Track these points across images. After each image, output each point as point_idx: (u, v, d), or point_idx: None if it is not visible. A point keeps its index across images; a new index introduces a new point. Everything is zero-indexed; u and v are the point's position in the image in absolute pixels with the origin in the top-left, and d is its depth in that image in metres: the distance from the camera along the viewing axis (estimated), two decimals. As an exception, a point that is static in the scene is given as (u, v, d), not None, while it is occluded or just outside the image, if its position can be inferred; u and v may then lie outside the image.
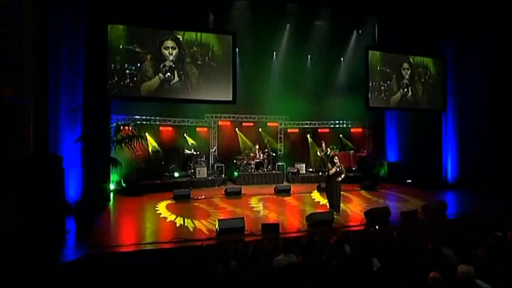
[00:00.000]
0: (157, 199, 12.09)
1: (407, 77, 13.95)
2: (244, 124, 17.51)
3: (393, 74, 13.59)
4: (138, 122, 15.37)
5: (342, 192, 12.91)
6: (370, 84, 13.05)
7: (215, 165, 16.17)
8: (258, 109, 17.36)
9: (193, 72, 11.27)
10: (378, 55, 13.31)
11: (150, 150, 15.22)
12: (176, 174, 15.14)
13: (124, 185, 13.44)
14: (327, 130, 18.37)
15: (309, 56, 17.66)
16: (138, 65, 10.58)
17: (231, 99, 11.46)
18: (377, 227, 6.84)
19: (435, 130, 15.03)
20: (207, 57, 11.34)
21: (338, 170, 10.17)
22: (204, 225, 8.83)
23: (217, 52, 11.54)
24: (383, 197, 13.08)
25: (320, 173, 16.78)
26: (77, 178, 10.34)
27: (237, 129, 17.41)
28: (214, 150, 16.98)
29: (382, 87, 13.30)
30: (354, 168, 17.39)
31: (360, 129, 18.40)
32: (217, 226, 7.98)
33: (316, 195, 13.14)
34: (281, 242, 7.54)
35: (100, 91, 10.17)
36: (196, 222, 9.17)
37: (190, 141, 15.93)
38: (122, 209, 11.16)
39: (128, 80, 10.47)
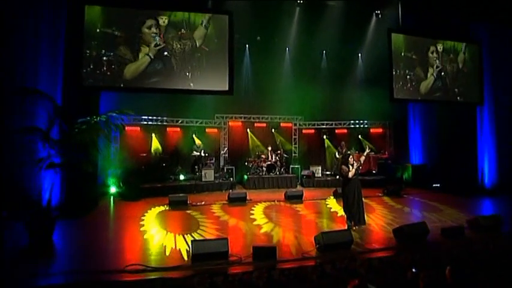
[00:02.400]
0: (153, 204, 9.60)
1: (436, 64, 10.71)
2: (256, 125, 14.79)
3: (420, 60, 10.40)
4: (145, 123, 13.10)
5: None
6: (394, 73, 9.96)
7: (225, 168, 13.54)
8: (270, 109, 14.56)
9: (181, 58, 8.67)
10: (401, 39, 10.20)
11: (152, 152, 12.83)
12: (182, 177, 12.63)
13: (123, 188, 11.06)
14: (345, 131, 15.30)
15: (324, 51, 14.72)
16: (116, 50, 8.13)
17: (227, 89, 8.77)
18: (414, 270, 3.98)
19: (469, 127, 11.61)
20: (197, 41, 8.71)
21: (357, 171, 7.29)
22: (186, 245, 6.16)
23: (211, 35, 8.85)
24: (410, 205, 9.94)
25: (337, 177, 13.82)
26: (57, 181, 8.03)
27: (248, 130, 14.73)
28: (225, 152, 14.38)
29: (408, 76, 10.16)
30: (374, 172, 14.27)
31: (380, 129, 15.20)
32: (191, 249, 5.29)
33: (332, 203, 10.18)
34: (277, 274, 4.84)
35: (76, 81, 7.81)
36: (179, 239, 6.55)
37: (199, 142, 13.41)
38: (103, 217, 8.61)
39: (105, 68, 8.02)
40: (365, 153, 7.64)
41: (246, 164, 13.83)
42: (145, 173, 11.82)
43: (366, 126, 15.18)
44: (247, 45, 14.05)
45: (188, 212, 8.89)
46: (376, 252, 5.77)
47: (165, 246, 5.99)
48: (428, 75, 10.61)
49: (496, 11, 10.48)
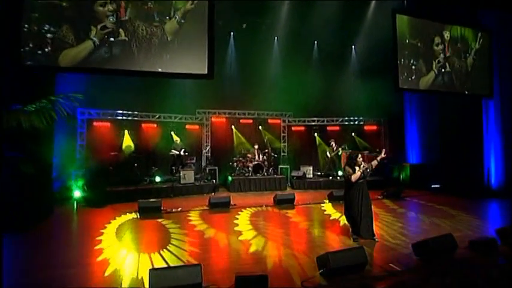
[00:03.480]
0: (122, 211, 7.99)
1: (444, 52, 9.44)
2: (241, 121, 13.31)
3: (426, 48, 9.11)
4: (116, 118, 11.43)
5: None
6: (398, 62, 8.62)
7: (207, 168, 11.99)
8: (257, 103, 13.11)
9: (148, 36, 7.01)
10: (406, 24, 8.86)
11: (123, 150, 11.17)
12: (157, 179, 11.01)
13: (87, 192, 9.35)
14: (337, 127, 13.98)
15: (316, 42, 13.39)
16: (61, 26, 6.39)
17: (206, 72, 7.21)
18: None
19: (473, 122, 10.45)
20: (169, 15, 7.08)
21: (363, 173, 5.91)
22: (143, 273, 4.58)
23: (184, 7, 7.19)
24: (415, 209, 8.65)
25: (330, 177, 12.49)
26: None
27: (233, 126, 13.24)
28: (207, 151, 12.84)
29: (413, 66, 8.85)
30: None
31: (374, 127, 13.96)
32: (149, 283, 3.76)
33: (328, 208, 8.82)
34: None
35: (13, 61, 6.10)
36: (143, 260, 5.00)
37: (178, 140, 11.81)
38: (51, 231, 6.79)
39: (50, 48, 6.33)
40: (379, 158, 6.11)
41: (231, 164, 12.34)
42: (115, 175, 10.15)
43: (359, 123, 13.90)
44: (231, 33, 12.57)
45: (160, 221, 7.29)
46: (397, 276, 4.38)
47: (121, 277, 4.40)
48: (433, 67, 9.30)
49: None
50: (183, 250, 5.47)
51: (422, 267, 4.68)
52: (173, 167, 11.44)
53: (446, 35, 9.52)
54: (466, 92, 9.69)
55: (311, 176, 12.67)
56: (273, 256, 5.09)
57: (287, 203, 9.11)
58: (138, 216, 7.66)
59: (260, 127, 13.40)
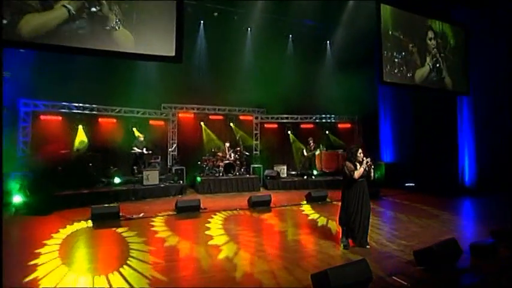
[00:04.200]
0: (71, 219, 6.68)
1: (434, 52, 9.05)
2: (211, 117, 12.27)
3: (409, 42, 8.68)
4: (69, 111, 9.95)
5: (336, 203, 8.34)
6: (383, 54, 8.08)
7: (173, 168, 10.83)
8: (228, 99, 12.17)
9: (115, 14, 5.83)
10: (388, 15, 8.39)
11: (76, 149, 9.73)
12: (117, 181, 9.68)
13: (30, 197, 7.85)
14: (311, 125, 13.38)
15: (290, 35, 12.68)
16: None
17: (173, 54, 6.15)
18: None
19: (448, 120, 10.25)
20: None
21: (366, 172, 5.12)
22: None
23: None
24: (399, 209, 8.06)
25: (305, 177, 11.82)
26: None
27: (202, 123, 12.16)
28: (173, 149, 11.65)
29: (396, 60, 8.37)
30: (343, 171, 12.53)
31: (348, 125, 13.53)
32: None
33: (308, 210, 8.09)
34: None
35: None
36: (97, 283, 3.90)
37: (141, 137, 10.53)
38: None
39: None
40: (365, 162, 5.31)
41: (199, 163, 11.26)
42: (64, 176, 8.70)
43: (333, 121, 13.39)
44: (201, 22, 11.48)
45: (118, 230, 6.11)
46: (404, 293, 3.66)
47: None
48: (426, 63, 8.89)
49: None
50: (146, 264, 4.44)
51: (431, 279, 4.01)
52: (135, 167, 10.16)
53: (435, 27, 9.14)
54: (450, 88, 9.41)
55: (285, 175, 11.94)
56: (254, 271, 4.19)
57: (263, 205, 8.25)
58: (91, 225, 6.42)
59: (231, 124, 12.44)
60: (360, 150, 5.19)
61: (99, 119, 10.47)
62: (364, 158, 5.07)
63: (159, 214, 7.27)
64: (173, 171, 10.68)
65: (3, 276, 2.72)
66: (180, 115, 11.70)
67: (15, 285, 3.72)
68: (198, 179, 10.54)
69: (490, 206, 8.53)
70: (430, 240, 5.53)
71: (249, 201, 8.29)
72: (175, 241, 5.46)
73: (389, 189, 10.83)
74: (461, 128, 10.07)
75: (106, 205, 7.25)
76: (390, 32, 8.31)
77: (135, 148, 10.29)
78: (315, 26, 12.00)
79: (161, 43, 6.01)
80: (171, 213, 7.43)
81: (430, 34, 9.00)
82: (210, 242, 5.38)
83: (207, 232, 5.97)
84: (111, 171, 9.86)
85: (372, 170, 5.23)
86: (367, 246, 5.08)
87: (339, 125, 13.45)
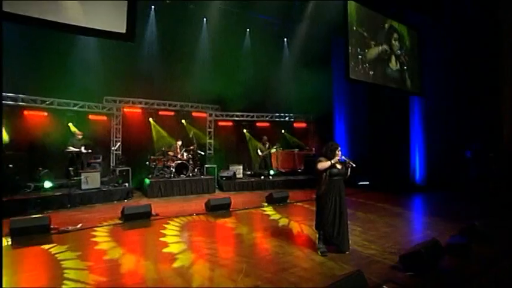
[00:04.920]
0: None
1: (387, 46, 9.06)
2: (161, 113, 11.08)
3: (371, 40, 8.59)
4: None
5: (298, 203, 7.98)
6: (349, 50, 7.79)
7: (117, 170, 9.48)
8: (180, 94, 11.11)
9: None
10: (353, 11, 8.16)
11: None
12: (47, 185, 8.08)
13: None
14: (267, 124, 12.89)
15: (248, 29, 12.01)
16: None
17: (124, 31, 5.09)
18: None
19: (401, 120, 10.50)
20: None
21: (343, 171, 4.74)
22: None
23: None
24: (361, 208, 7.81)
25: (262, 177, 11.25)
26: None
27: (151, 119, 10.92)
28: (117, 148, 10.25)
29: (360, 56, 8.19)
30: (300, 170, 12.26)
31: (303, 124, 13.31)
32: None
33: (271, 212, 7.49)
34: None
35: None
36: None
37: (79, 134, 9.01)
38: None
39: None
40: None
41: (148, 163, 10.06)
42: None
43: (289, 119, 13.05)
44: (152, 7, 10.25)
45: (47, 248, 4.85)
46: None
47: None
48: (381, 56, 8.83)
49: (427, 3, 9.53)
50: (86, 285, 3.43)
51: (423, 284, 3.64)
52: (71, 168, 8.61)
53: (390, 27, 9.18)
54: (409, 87, 9.55)
55: (241, 176, 11.26)
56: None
57: (222, 209, 7.46)
58: (10, 243, 5.03)
59: (183, 121, 11.39)
60: (339, 149, 4.76)
61: (25, 112, 8.72)
62: (346, 159, 4.66)
63: (102, 224, 6.08)
64: (117, 172, 9.34)
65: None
66: (125, 110, 10.33)
67: None
68: (147, 181, 9.35)
69: (445, 202, 8.71)
70: (404, 241, 5.32)
71: (207, 205, 7.44)
72: (124, 256, 4.44)
73: (345, 188, 10.76)
74: (413, 128, 10.36)
75: (33, 216, 5.85)
76: (355, 28, 8.11)
77: (71, 147, 8.75)
78: (272, 22, 11.51)
79: (111, 17, 4.88)
80: (116, 222, 6.28)
81: (383, 32, 9.02)
82: (165, 252, 4.47)
83: (162, 241, 5.03)
84: (39, 173, 8.22)
85: (349, 170, 4.84)
86: (347, 252, 4.63)
87: (295, 124, 13.18)
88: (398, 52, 9.33)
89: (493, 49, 8.39)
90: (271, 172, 11.51)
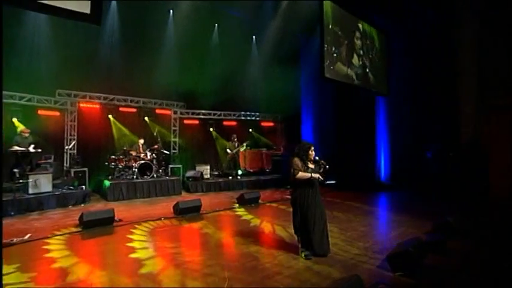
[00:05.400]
0: None
1: (360, 52, 9.12)
2: (121, 109, 10.20)
3: (344, 39, 8.57)
4: None
5: (270, 204, 7.81)
6: (325, 48, 7.67)
7: (72, 171, 8.50)
8: (143, 90, 10.30)
9: None
10: (329, 10, 8.06)
11: None
12: (-13, 189, 7.00)
13: None
14: (234, 123, 12.49)
15: (216, 24, 11.49)
16: None
17: (88, 12, 4.42)
18: None
19: (367, 120, 10.71)
20: None
21: (321, 171, 4.53)
22: None
23: None
24: (333, 208, 7.80)
25: (230, 177, 10.85)
26: None
27: (111, 116, 10.01)
28: (72, 147, 9.23)
29: (334, 54, 8.12)
30: (267, 170, 12.03)
31: (271, 123, 13.13)
32: None
33: (244, 213, 7.13)
34: None
35: None
36: None
37: (25, 131, 7.90)
38: None
39: None
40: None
41: (107, 164, 9.19)
42: None
43: (256, 118, 12.78)
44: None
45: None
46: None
47: None
48: (353, 57, 8.86)
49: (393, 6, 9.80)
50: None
51: (414, 284, 3.54)
52: (16, 170, 7.47)
53: (361, 28, 9.25)
54: (373, 90, 9.72)
55: (208, 176, 10.77)
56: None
57: (192, 211, 6.95)
58: None
59: (146, 118, 10.60)
60: (312, 148, 4.60)
61: (-42, 105, 7.45)
62: (316, 158, 4.51)
63: (56, 233, 5.30)
64: (72, 174, 8.38)
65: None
66: (81, 105, 9.32)
67: None
68: (107, 183, 8.51)
69: (411, 200, 8.98)
70: (383, 240, 5.28)
71: (176, 208, 6.88)
72: (81, 269, 3.82)
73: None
74: (379, 128, 10.61)
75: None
76: (330, 26, 8.04)
77: (16, 146, 7.66)
78: (242, 18, 11.14)
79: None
80: (74, 230, 5.52)
81: (356, 33, 9.12)
82: (135, 263, 3.93)
83: (130, 250, 4.46)
84: (-23, 176, 7.06)
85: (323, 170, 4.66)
86: (328, 254, 4.44)
87: (262, 123, 12.94)
88: (366, 53, 9.49)
89: (453, 55, 8.83)
90: (239, 172, 11.16)
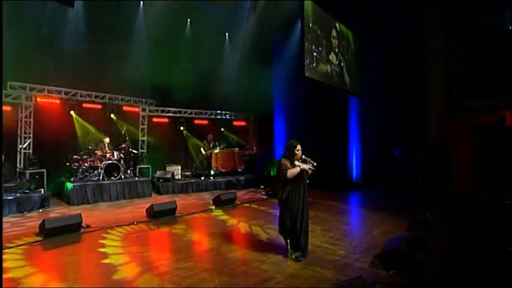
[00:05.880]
0: None
1: (336, 47, 9.14)
2: (85, 105, 9.34)
3: (323, 39, 8.53)
4: None
5: (247, 205, 7.64)
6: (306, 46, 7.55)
7: (27, 172, 7.60)
8: (109, 85, 9.53)
9: None
10: (310, 8, 7.96)
11: None
12: None
13: None
14: (206, 122, 12.03)
15: (189, 19, 10.98)
16: None
17: None
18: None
19: (339, 119, 10.81)
20: None
21: (310, 170, 4.43)
22: None
23: None
24: (312, 207, 7.78)
25: (202, 178, 10.43)
26: None
27: (73, 112, 9.11)
28: (26, 147, 8.25)
29: (314, 53, 8.05)
30: (240, 170, 11.75)
31: (243, 123, 12.86)
32: None
33: (222, 215, 6.81)
34: None
35: None
36: None
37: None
38: None
39: None
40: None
41: (68, 164, 8.37)
42: None
43: (228, 117, 12.43)
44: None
45: None
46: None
47: None
48: (331, 57, 8.85)
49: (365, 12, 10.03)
50: None
51: (408, 281, 3.50)
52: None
53: (338, 28, 9.30)
54: (349, 90, 9.82)
55: (180, 177, 10.27)
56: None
57: (167, 214, 6.50)
58: None
59: (112, 115, 9.83)
60: (299, 147, 4.44)
61: None
62: (303, 156, 4.39)
63: (10, 245, 4.60)
64: (27, 176, 7.51)
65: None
66: (38, 99, 8.35)
67: None
68: (69, 185, 7.71)
69: (384, 198, 9.20)
70: (367, 239, 5.27)
71: (149, 211, 6.39)
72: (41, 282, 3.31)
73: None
74: (351, 127, 10.78)
75: None
76: (310, 25, 7.96)
77: (-41, 144, 6.67)
78: (215, 15, 10.76)
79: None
80: (34, 239, 4.85)
81: (334, 33, 9.16)
82: (113, 277, 3.50)
83: (103, 260, 3.98)
84: None
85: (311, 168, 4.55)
86: (306, 255, 4.32)
87: (234, 123, 12.62)
88: (342, 53, 9.60)
89: (421, 59, 9.22)
90: (212, 172, 10.78)
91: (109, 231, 5.39)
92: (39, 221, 5.14)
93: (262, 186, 10.74)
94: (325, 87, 9.28)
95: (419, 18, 9.08)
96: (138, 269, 3.84)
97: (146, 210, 6.50)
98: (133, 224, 5.90)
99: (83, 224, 5.48)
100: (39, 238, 4.92)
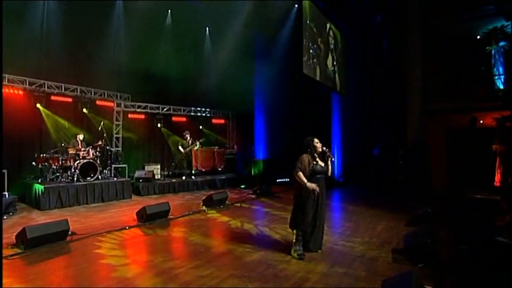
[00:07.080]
0: None
1: (332, 46, 9.07)
2: (54, 98, 8.26)
3: (318, 37, 8.41)
4: None
5: (238, 205, 7.36)
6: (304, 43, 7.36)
7: (-14, 173, 6.51)
8: (80, 77, 8.58)
9: None
10: (307, 5, 7.78)
11: None
12: None
13: None
14: (184, 119, 11.36)
15: (170, 10, 10.24)
16: None
17: None
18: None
19: (322, 118, 10.82)
20: None
21: (326, 160, 4.33)
22: None
23: None
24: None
25: (184, 177, 9.83)
26: None
27: (39, 105, 7.99)
28: (-15, 143, 7.10)
29: (311, 50, 7.88)
30: (220, 169, 11.28)
31: (222, 120, 12.37)
32: None
33: (216, 215, 6.41)
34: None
35: None
36: None
37: None
38: None
39: None
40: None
41: (35, 164, 7.35)
42: None
43: (208, 115, 11.88)
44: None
45: None
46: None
47: None
48: (325, 55, 8.76)
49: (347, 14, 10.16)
50: None
51: (436, 273, 3.45)
52: None
53: (331, 29, 9.26)
54: (338, 90, 9.83)
55: (159, 176, 9.57)
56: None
57: (160, 217, 5.93)
58: None
59: (85, 110, 8.84)
60: (316, 139, 4.33)
61: None
62: (322, 148, 4.23)
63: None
64: (-13, 177, 6.41)
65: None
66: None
67: None
68: (39, 187, 6.73)
69: (370, 195, 9.14)
70: (377, 233, 5.22)
71: (141, 214, 5.76)
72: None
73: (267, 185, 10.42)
74: (334, 126, 10.85)
75: None
76: (308, 22, 7.80)
77: None
78: (196, 8, 10.20)
79: None
80: (12, 252, 4.06)
81: (331, 33, 9.13)
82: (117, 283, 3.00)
83: (106, 274, 3.41)
84: None
85: (330, 164, 4.45)
86: (319, 251, 4.22)
87: (213, 120, 12.11)
88: (333, 51, 9.60)
89: (401, 61, 9.56)
90: (193, 171, 10.22)
91: (100, 238, 4.74)
92: (10, 230, 4.33)
93: (243, 186, 10.43)
94: (309, 87, 9.22)
95: (399, 23, 9.41)
96: (157, 280, 3.34)
97: (137, 213, 5.85)
98: (125, 228, 5.27)
99: (70, 231, 4.76)
100: (19, 250, 4.13)
